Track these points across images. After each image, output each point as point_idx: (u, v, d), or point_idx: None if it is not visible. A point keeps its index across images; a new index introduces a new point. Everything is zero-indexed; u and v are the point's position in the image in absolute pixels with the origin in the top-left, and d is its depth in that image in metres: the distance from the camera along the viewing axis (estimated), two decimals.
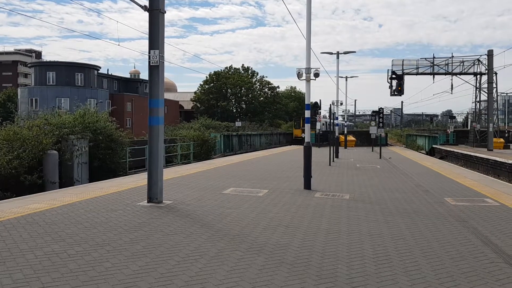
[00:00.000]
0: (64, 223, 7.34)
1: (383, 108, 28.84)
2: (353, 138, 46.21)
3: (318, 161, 21.42)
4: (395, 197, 10.98)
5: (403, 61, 40.86)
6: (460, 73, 40.14)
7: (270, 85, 77.89)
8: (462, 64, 39.82)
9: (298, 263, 5.44)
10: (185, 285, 4.65)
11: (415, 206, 9.65)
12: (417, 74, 40.98)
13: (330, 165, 20.47)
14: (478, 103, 40.69)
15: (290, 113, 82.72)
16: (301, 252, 5.92)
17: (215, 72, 74.47)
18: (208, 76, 73.92)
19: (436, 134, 48.66)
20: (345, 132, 42.17)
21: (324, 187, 12.59)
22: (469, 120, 62.69)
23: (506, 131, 50.05)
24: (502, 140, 40.37)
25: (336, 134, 29.61)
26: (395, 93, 38.37)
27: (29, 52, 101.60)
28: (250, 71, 77.94)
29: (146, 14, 9.35)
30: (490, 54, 37.13)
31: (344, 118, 45.71)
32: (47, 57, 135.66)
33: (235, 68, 77.28)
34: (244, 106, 76.01)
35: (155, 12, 9.27)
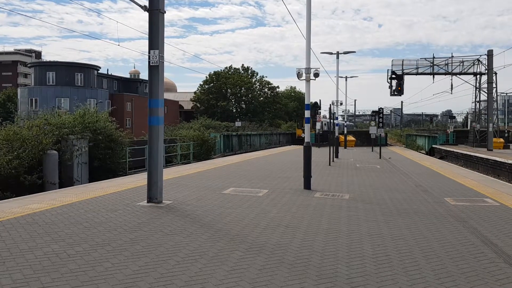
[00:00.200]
0: (64, 223, 7.34)
1: (383, 108, 28.83)
2: (353, 138, 46.22)
3: (318, 161, 21.43)
4: (395, 197, 10.98)
5: (403, 61, 40.88)
6: (460, 73, 40.15)
7: (270, 85, 77.93)
8: (462, 64, 39.83)
9: (298, 263, 5.44)
10: (185, 285, 4.65)
11: (415, 206, 9.65)
12: (417, 74, 40.99)
13: (330, 165, 20.46)
14: (478, 103, 40.70)
15: (290, 113, 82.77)
16: (301, 252, 5.92)
17: (215, 72, 74.51)
18: (208, 76, 73.98)
19: (436, 134, 48.68)
20: (345, 132, 42.18)
21: (324, 187, 12.59)
22: (469, 120, 62.72)
23: (506, 131, 50.06)
24: (502, 140, 40.37)
25: (336, 134, 29.62)
26: (395, 93, 38.37)
27: (29, 52, 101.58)
28: (250, 71, 77.99)
29: (146, 14, 9.35)
30: (490, 54, 37.14)
31: (344, 118, 45.71)
32: (47, 57, 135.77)
33: (235, 68, 77.32)
34: (244, 106, 76.01)
35: (155, 12, 9.26)
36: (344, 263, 5.48)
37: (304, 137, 13.15)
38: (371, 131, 31.04)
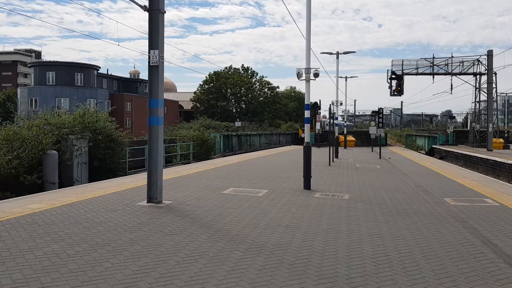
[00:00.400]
0: (63, 223, 7.34)
1: (382, 108, 28.84)
2: (353, 138, 46.22)
3: (317, 161, 21.43)
4: (394, 197, 10.98)
5: (402, 61, 40.88)
6: (460, 73, 40.16)
7: (269, 85, 77.95)
8: (461, 64, 39.84)
9: (298, 263, 5.44)
10: (184, 285, 4.65)
11: (415, 206, 9.65)
12: (416, 74, 41.00)
13: (329, 165, 20.46)
14: (477, 103, 40.71)
15: (289, 113, 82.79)
16: (300, 252, 5.92)
17: (214, 72, 74.51)
18: (207, 76, 73.98)
19: (435, 134, 48.69)
20: (345, 132, 42.20)
21: (324, 187, 12.59)
22: (469, 120, 62.72)
23: (506, 131, 50.08)
24: (501, 140, 40.38)
25: (336, 134, 29.62)
26: (395, 93, 38.39)
27: (28, 52, 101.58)
28: (249, 71, 78.01)
29: (146, 14, 9.35)
30: (489, 54, 37.14)
31: (343, 118, 45.70)
32: (46, 57, 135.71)
33: (234, 68, 77.33)
34: (243, 106, 76.02)
35: (155, 12, 9.26)
36: (344, 263, 5.48)
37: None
38: (371, 131, 31.04)
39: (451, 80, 40.95)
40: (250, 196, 10.60)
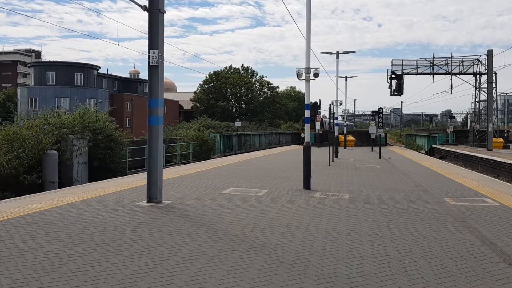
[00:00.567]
0: (63, 223, 7.34)
1: (382, 108, 28.85)
2: (353, 138, 46.22)
3: (317, 161, 21.43)
4: (394, 197, 10.98)
5: (402, 61, 40.88)
6: (460, 73, 40.17)
7: (269, 85, 77.97)
8: (461, 64, 39.86)
9: (298, 263, 5.44)
10: (184, 285, 4.65)
11: (415, 206, 9.65)
12: (416, 74, 41.01)
13: (329, 165, 20.46)
14: (477, 103, 40.72)
15: (289, 113, 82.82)
16: (300, 252, 5.92)
17: (214, 72, 74.53)
18: (207, 76, 73.99)
19: (435, 134, 48.69)
20: (345, 132, 42.19)
21: (324, 187, 12.59)
22: (469, 120, 62.71)
23: (506, 131, 50.08)
24: (501, 140, 40.39)
25: (336, 134, 29.62)
26: (395, 93, 38.44)
27: (28, 52, 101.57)
28: (249, 71, 78.02)
29: (146, 14, 9.34)
30: (489, 54, 37.15)
31: (343, 118, 45.70)
32: (46, 57, 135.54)
33: (234, 68, 77.34)
34: (243, 106, 76.03)
35: (155, 12, 9.26)
36: (344, 263, 5.48)
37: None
38: (371, 131, 31.04)
39: (451, 80, 41.01)
40: (250, 196, 10.60)
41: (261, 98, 76.69)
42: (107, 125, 17.59)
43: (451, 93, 42.33)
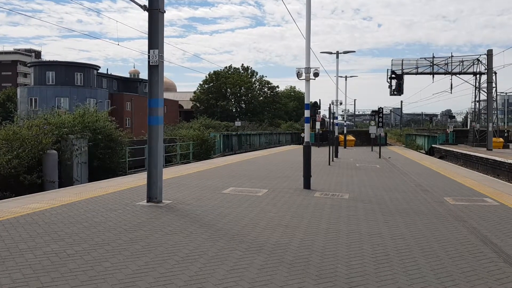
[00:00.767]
0: (63, 222, 7.33)
1: (382, 108, 28.86)
2: (353, 138, 46.24)
3: (317, 161, 21.43)
4: (394, 196, 10.98)
5: (402, 60, 40.88)
6: (460, 73, 40.17)
7: (269, 85, 78.00)
8: (461, 63, 39.86)
9: (298, 263, 5.44)
10: (184, 285, 4.64)
11: (415, 206, 9.65)
12: (416, 73, 41.01)
13: (329, 164, 20.47)
14: (477, 103, 40.74)
15: (289, 112, 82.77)
16: (300, 252, 5.91)
17: (214, 71, 74.56)
18: (207, 76, 74.02)
19: (435, 134, 48.71)
20: (345, 131, 42.18)
21: (324, 187, 12.59)
22: (469, 119, 62.69)
23: (506, 131, 50.10)
24: (501, 139, 40.40)
25: (336, 133, 29.62)
26: (395, 92, 38.44)
27: (28, 51, 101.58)
28: (249, 70, 78.03)
29: (146, 13, 9.34)
30: (489, 53, 37.16)
31: (343, 118, 45.70)
32: (46, 56, 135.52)
33: (234, 68, 77.35)
34: (243, 105, 76.06)
35: (155, 11, 9.26)
36: (344, 263, 5.48)
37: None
38: (371, 131, 31.05)
39: (451, 79, 41.02)
40: (250, 196, 10.60)
41: (261, 98, 76.70)
42: (107, 125, 17.58)
43: (451, 92, 42.38)
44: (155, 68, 9.32)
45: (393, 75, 38.48)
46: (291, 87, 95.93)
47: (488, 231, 7.31)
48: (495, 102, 39.46)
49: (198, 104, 73.24)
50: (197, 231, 6.95)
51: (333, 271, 5.16)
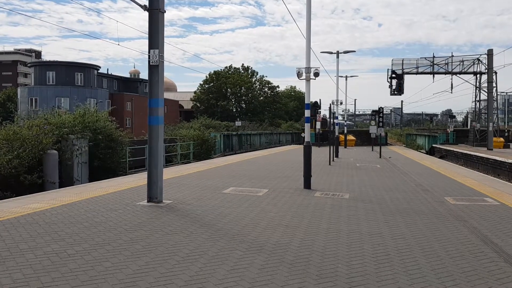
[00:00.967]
0: (64, 222, 7.34)
1: (383, 108, 28.83)
2: (353, 138, 46.24)
3: (318, 161, 21.43)
4: (395, 196, 10.98)
5: (403, 60, 40.85)
6: (460, 73, 40.14)
7: (270, 85, 77.99)
8: (462, 63, 39.83)
9: (298, 263, 5.44)
10: (185, 285, 4.64)
11: (415, 206, 9.65)
12: (417, 73, 40.98)
13: (330, 164, 20.46)
14: (478, 103, 40.70)
15: (290, 112, 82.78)
16: (301, 252, 5.91)
17: (215, 71, 74.55)
18: (208, 76, 74.02)
19: (436, 134, 48.69)
20: (345, 131, 42.16)
21: (324, 187, 12.59)
22: (469, 119, 62.66)
23: (506, 131, 50.08)
24: (502, 139, 40.39)
25: (336, 133, 29.62)
26: (395, 92, 38.38)
27: (28, 51, 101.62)
28: (250, 70, 78.02)
29: (146, 13, 9.34)
30: (490, 53, 37.15)
31: (344, 118, 45.68)
32: (46, 56, 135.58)
33: (235, 68, 77.34)
34: (244, 105, 76.06)
35: (155, 11, 9.26)
36: (344, 263, 5.48)
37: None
38: (371, 131, 31.06)
39: (451, 79, 40.97)
40: (250, 196, 10.60)
41: (261, 98, 76.69)
42: (107, 125, 17.59)
43: (452, 92, 42.34)
44: (155, 68, 9.32)
45: (393, 75, 38.44)
46: (291, 87, 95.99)
47: (489, 231, 7.30)
48: (495, 102, 39.43)
49: (198, 104, 73.25)
50: (198, 231, 6.95)
51: (334, 271, 5.16)
